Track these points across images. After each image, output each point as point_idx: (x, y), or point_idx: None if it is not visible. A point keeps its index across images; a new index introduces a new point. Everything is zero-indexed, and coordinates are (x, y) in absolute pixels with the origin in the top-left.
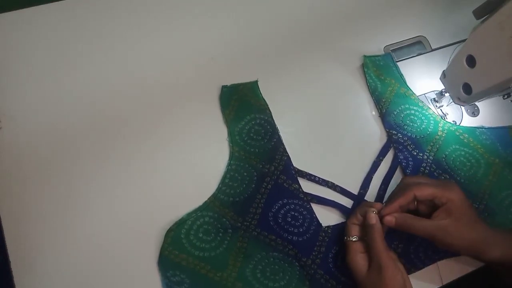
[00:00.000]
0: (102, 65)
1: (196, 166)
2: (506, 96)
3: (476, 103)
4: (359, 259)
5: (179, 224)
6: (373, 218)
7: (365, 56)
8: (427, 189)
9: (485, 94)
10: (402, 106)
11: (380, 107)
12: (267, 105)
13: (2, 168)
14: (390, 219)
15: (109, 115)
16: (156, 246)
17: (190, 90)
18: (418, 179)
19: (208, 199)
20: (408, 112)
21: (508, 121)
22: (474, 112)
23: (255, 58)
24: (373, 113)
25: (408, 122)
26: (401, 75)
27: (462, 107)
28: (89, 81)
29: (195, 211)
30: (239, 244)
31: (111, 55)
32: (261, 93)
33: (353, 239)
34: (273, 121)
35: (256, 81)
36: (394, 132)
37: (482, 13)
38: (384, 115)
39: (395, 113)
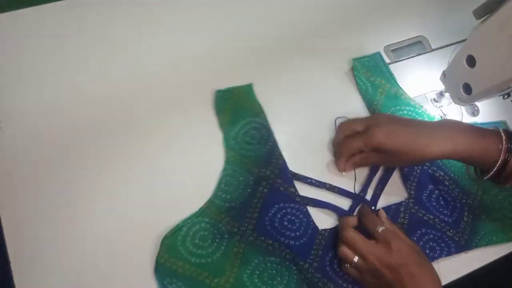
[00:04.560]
0: (101, 65)
1: (191, 172)
2: (506, 96)
3: (476, 103)
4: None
5: (175, 231)
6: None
7: (354, 59)
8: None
9: (485, 94)
10: (393, 108)
11: (372, 110)
12: (262, 108)
13: (2, 168)
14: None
15: (108, 117)
16: (153, 253)
17: (184, 95)
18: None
19: (204, 204)
20: (400, 113)
21: (508, 121)
22: (474, 112)
23: (249, 61)
24: None
25: None
26: (391, 74)
27: (462, 107)
28: (89, 81)
29: (191, 217)
30: (236, 249)
31: (110, 56)
32: (255, 96)
33: (355, 260)
34: (268, 124)
35: (251, 84)
36: None
37: (482, 13)
38: None
39: None
